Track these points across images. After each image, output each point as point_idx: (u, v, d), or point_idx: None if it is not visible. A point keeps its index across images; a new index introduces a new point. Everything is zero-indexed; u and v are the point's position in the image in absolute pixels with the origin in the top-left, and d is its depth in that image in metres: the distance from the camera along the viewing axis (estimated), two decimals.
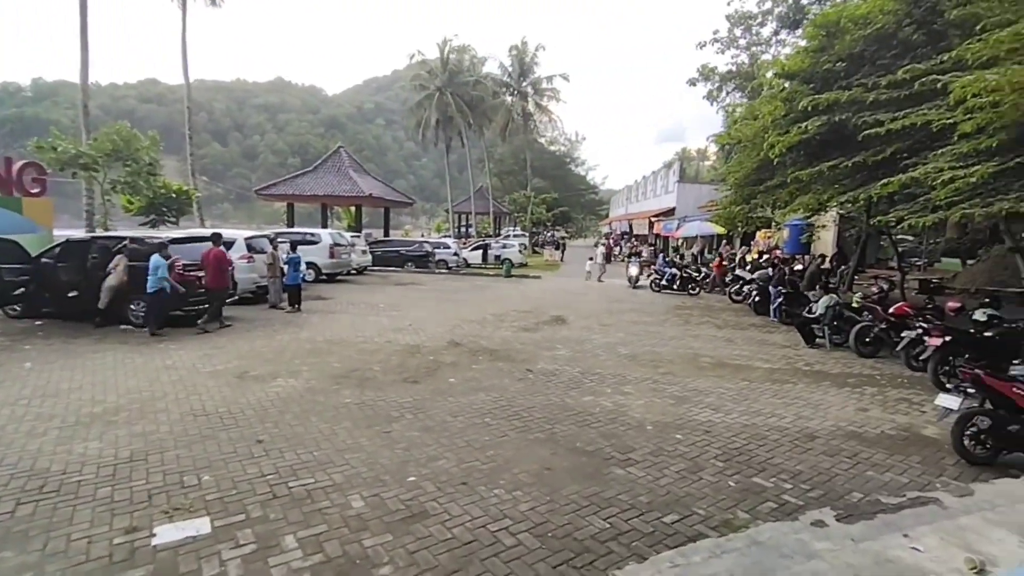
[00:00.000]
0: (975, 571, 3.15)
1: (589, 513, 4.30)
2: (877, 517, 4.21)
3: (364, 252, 24.35)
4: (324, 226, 30.10)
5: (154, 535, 3.84)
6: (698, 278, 20.89)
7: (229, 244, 13.61)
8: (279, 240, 15.96)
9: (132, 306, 11.34)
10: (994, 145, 8.38)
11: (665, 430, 6.17)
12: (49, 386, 7.30)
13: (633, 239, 44.61)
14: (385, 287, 20.32)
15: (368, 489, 4.58)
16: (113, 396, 6.94)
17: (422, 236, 45.52)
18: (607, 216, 69.64)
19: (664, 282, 20.80)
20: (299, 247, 16.15)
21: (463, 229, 54.16)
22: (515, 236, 43.35)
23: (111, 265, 11.11)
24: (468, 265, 28.98)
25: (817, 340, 11.23)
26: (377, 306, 15.32)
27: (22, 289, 11.55)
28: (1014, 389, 5.36)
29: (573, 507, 4.39)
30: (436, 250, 28.16)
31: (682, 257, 27.80)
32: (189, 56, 29.97)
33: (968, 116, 8.56)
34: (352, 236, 24.58)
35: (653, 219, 38.78)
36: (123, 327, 11.20)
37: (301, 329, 11.66)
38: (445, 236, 42.07)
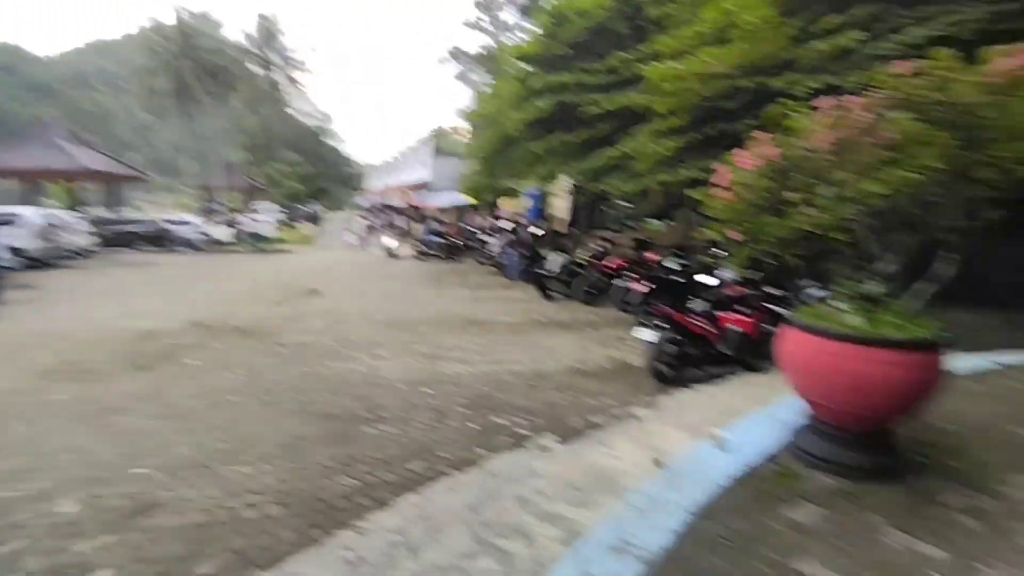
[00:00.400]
0: (656, 464, 3.77)
1: (337, 473, 4.17)
2: (587, 434, 4.83)
3: (88, 233, 20.75)
4: (32, 205, 24.98)
5: None
6: (460, 244, 21.71)
7: None
8: None
9: None
10: (680, 124, 10.02)
11: (416, 386, 6.25)
12: None
13: (391, 211, 44.45)
14: (113, 270, 17.46)
15: (84, 490, 3.86)
16: None
17: (164, 214, 39.88)
18: (366, 189, 68.27)
19: (430, 250, 21.22)
20: None
21: (211, 205, 48.70)
22: (269, 211, 40.45)
23: None
24: (218, 243, 26.20)
25: (552, 294, 12.43)
26: (104, 292, 13.05)
27: None
28: (688, 319, 6.55)
29: (322, 471, 4.22)
30: (176, 227, 25.10)
31: (441, 225, 28.64)
32: None
33: (661, 99, 10.09)
34: (72, 216, 20.94)
35: (410, 191, 39.02)
36: None
37: None
38: (195, 212, 37.31)
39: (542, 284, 12.45)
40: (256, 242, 24.93)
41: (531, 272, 14.08)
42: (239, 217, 28.02)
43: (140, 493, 3.85)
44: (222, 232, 27.50)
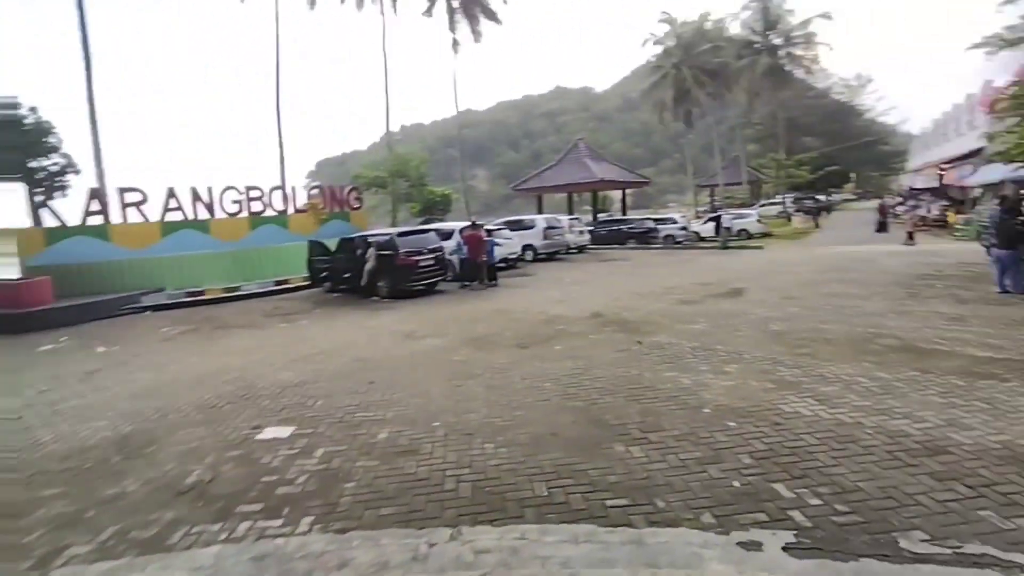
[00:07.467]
0: None
1: (534, 481, 4.22)
2: None
3: (581, 232, 25.84)
4: (569, 212, 34.36)
5: None
6: None
7: (448, 235, 16.86)
8: (495, 227, 19.52)
9: (379, 283, 14.55)
10: None
11: (723, 415, 5.27)
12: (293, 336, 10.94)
13: (920, 193, 36.13)
14: (590, 264, 21.13)
15: (407, 426, 5.49)
16: (326, 343, 9.54)
17: (653, 213, 44.85)
18: (906, 169, 56.50)
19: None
20: (518, 231, 20.23)
21: (715, 202, 51.14)
22: (768, 204, 41.51)
23: (367, 255, 14.55)
24: (701, 239, 27.58)
25: None
26: (563, 281, 16.18)
27: (324, 272, 16.47)
28: None
29: (538, 472, 4.38)
30: (661, 225, 27.80)
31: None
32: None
33: None
34: (568, 219, 26.28)
35: (944, 168, 30.94)
36: (373, 298, 14.53)
37: (482, 301, 13.16)
38: (703, 210, 40.71)
39: None
40: (729, 238, 24.93)
41: None
42: (723, 213, 28.20)
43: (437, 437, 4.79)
44: (706, 228, 28.45)
